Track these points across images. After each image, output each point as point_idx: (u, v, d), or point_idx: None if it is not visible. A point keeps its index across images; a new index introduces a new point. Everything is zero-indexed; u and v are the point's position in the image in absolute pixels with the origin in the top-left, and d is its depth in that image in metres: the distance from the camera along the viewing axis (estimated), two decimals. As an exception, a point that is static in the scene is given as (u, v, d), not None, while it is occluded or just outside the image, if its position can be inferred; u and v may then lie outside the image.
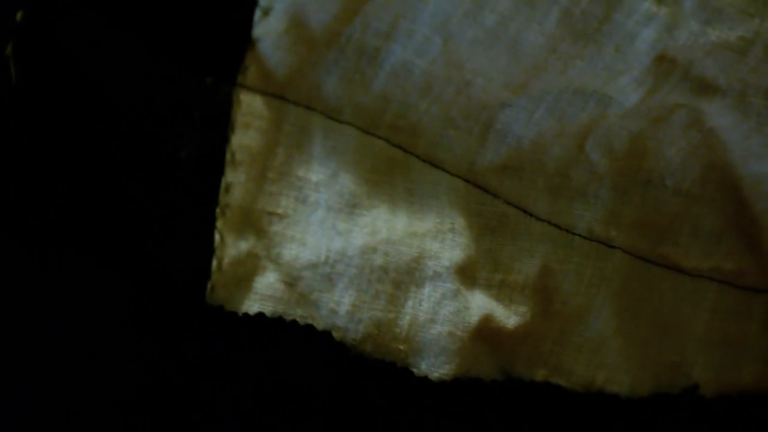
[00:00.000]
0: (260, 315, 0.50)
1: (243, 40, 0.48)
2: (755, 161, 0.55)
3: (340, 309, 0.51)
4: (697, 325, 0.57)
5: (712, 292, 0.57)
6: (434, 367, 0.52)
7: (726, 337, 0.57)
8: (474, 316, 0.53)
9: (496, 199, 0.54)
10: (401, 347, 0.52)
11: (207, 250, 0.49)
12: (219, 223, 0.49)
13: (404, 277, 0.52)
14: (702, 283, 0.57)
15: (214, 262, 0.49)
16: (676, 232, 0.56)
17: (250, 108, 0.50)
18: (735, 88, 0.52)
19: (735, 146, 0.54)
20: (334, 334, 0.51)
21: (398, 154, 0.53)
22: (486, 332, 0.53)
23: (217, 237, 0.49)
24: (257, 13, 0.49)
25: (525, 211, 0.55)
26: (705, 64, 0.51)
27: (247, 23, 0.48)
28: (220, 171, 0.49)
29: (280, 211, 0.51)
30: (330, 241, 0.51)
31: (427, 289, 0.52)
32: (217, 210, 0.49)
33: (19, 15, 0.46)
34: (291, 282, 0.51)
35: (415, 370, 0.52)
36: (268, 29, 0.49)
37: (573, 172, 0.55)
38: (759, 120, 0.53)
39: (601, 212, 0.55)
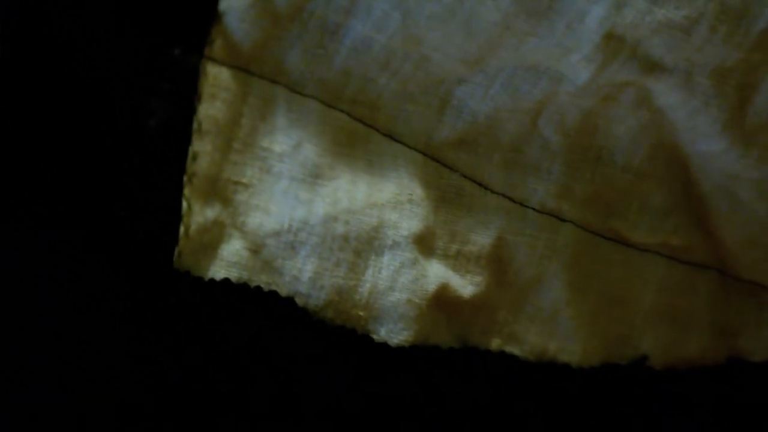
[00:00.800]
0: (226, 281, 0.51)
1: (209, 14, 0.50)
2: (702, 140, 0.56)
3: (303, 276, 0.53)
4: (646, 298, 0.58)
5: (660, 267, 0.58)
6: (393, 333, 0.54)
7: (673, 310, 0.59)
8: (431, 285, 0.54)
9: (452, 173, 0.55)
10: (361, 314, 0.53)
11: (175, 216, 0.50)
12: (186, 191, 0.51)
13: (364, 246, 0.53)
14: (650, 258, 0.58)
15: (182, 229, 0.51)
16: (626, 207, 0.57)
17: (217, 80, 0.51)
18: (681, 67, 0.53)
19: (682, 125, 0.55)
20: (297, 300, 0.52)
21: (359, 127, 0.54)
22: (443, 301, 0.55)
23: (184, 204, 0.50)
24: (224, -12, 0.49)
25: (480, 185, 0.56)
26: (652, 42, 0.52)
27: None
28: (187, 140, 0.50)
29: (245, 180, 0.52)
30: (293, 210, 0.52)
31: (386, 258, 0.54)
32: (185, 178, 0.50)
33: None
34: (255, 249, 0.52)
35: (374, 336, 0.53)
36: (234, 3, 0.50)
37: (526, 147, 0.56)
38: (705, 100, 0.54)
39: (553, 187, 0.57)
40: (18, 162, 0.49)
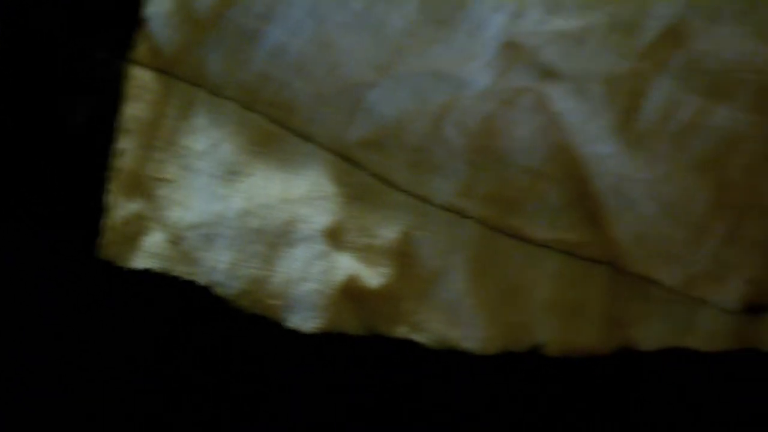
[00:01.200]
0: (147, 271, 0.53)
1: (134, 19, 0.51)
2: (594, 143, 0.57)
3: (219, 267, 0.54)
4: (542, 290, 0.59)
5: (556, 261, 0.60)
6: (304, 321, 0.55)
7: (568, 302, 0.60)
8: (341, 276, 0.56)
9: (361, 171, 0.57)
10: (275, 302, 0.55)
11: (99, 209, 0.52)
12: (111, 186, 0.52)
13: (278, 239, 0.55)
14: (547, 253, 0.59)
15: (106, 221, 0.52)
16: (524, 205, 0.59)
17: (141, 82, 0.52)
18: (575, 74, 0.55)
19: (576, 129, 0.57)
20: (214, 290, 0.54)
21: (275, 128, 0.55)
22: (352, 291, 0.56)
23: (109, 198, 0.52)
24: (148, -5, 0.51)
25: (388, 183, 0.57)
26: (548, 51, 0.54)
27: (138, 4, 0.51)
28: (112, 138, 0.52)
29: (166, 176, 0.54)
30: (211, 204, 0.54)
31: (298, 250, 0.55)
32: (110, 173, 0.52)
33: None
34: (175, 241, 0.54)
35: (287, 324, 0.55)
36: (157, 10, 0.52)
37: (431, 148, 0.57)
38: (597, 105, 0.56)
39: (456, 185, 0.58)
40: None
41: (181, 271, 0.53)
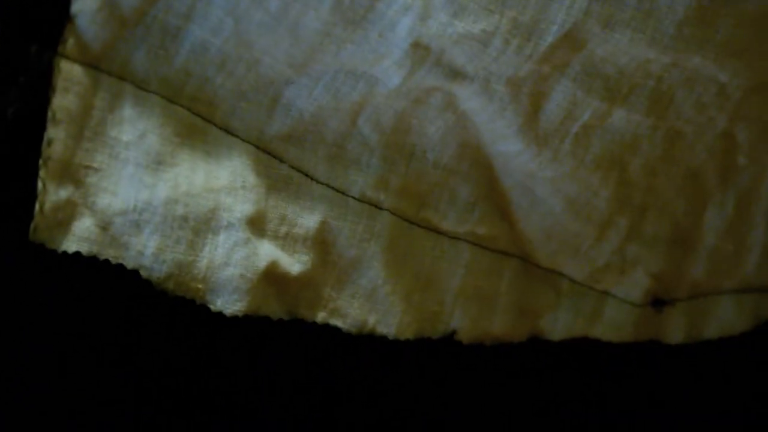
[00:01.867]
0: (77, 254, 0.54)
1: (63, 16, 0.52)
2: (501, 142, 0.59)
3: (146, 251, 0.54)
4: (455, 280, 0.61)
5: (468, 253, 0.61)
6: (228, 304, 0.56)
7: (480, 292, 0.61)
8: (262, 262, 0.56)
9: (281, 164, 0.57)
10: (199, 286, 0.55)
11: (31, 195, 0.53)
12: (42, 173, 0.53)
13: (202, 226, 0.55)
14: (459, 245, 0.61)
15: (37, 206, 0.53)
16: (436, 199, 0.60)
17: (69, 75, 0.53)
18: (480, 75, 0.56)
19: (484, 128, 0.58)
20: (141, 273, 0.54)
21: (198, 121, 0.56)
22: (273, 277, 0.56)
23: (39, 184, 0.53)
24: (75, -8, 0.50)
25: (306, 175, 0.58)
26: (454, 52, 0.55)
27: (67, 0, 0.52)
28: (42, 128, 0.53)
29: (95, 165, 0.54)
30: (138, 192, 0.55)
31: (221, 237, 0.56)
32: (40, 161, 0.53)
33: None
34: (104, 226, 0.54)
35: (211, 306, 0.55)
36: (84, 7, 0.53)
37: (347, 143, 0.58)
38: (501, 105, 0.57)
39: (371, 179, 0.59)
40: None
41: (110, 254, 0.53)
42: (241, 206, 0.55)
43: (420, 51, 0.55)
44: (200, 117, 0.56)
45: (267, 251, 0.56)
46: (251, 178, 0.56)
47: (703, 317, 0.65)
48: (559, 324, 0.63)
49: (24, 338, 0.53)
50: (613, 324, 0.64)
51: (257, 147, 0.56)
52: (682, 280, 0.65)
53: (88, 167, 0.53)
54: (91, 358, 0.54)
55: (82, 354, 0.54)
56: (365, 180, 0.59)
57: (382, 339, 0.59)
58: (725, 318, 0.66)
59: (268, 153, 0.57)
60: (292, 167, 0.57)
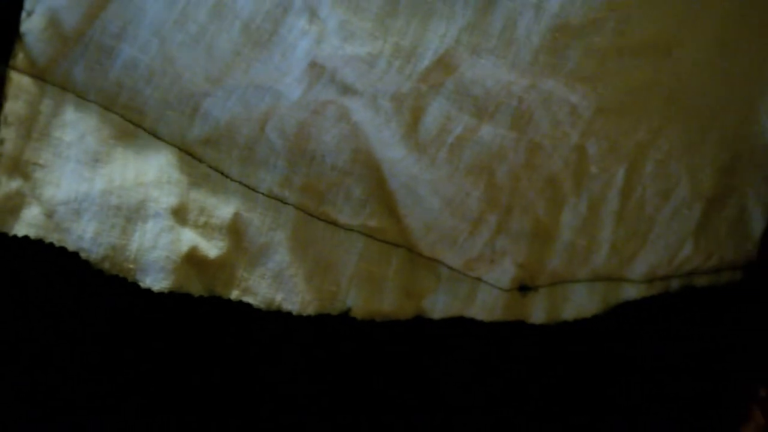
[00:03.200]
0: (26, 237, 0.54)
1: (13, 34, 0.54)
2: (387, 149, 0.60)
3: (86, 235, 0.55)
4: (349, 265, 0.62)
5: (361, 242, 0.62)
6: (156, 282, 0.57)
7: (371, 276, 0.62)
8: (184, 246, 0.57)
9: (201, 164, 0.59)
10: (131, 266, 0.56)
11: None
12: None
13: (133, 214, 0.56)
14: (353, 235, 0.62)
15: None
16: (333, 196, 0.61)
17: (19, 84, 0.54)
18: (368, 91, 0.57)
19: (372, 137, 0.60)
20: (81, 255, 0.55)
21: (130, 126, 0.57)
22: (194, 259, 0.58)
23: None
24: (23, 14, 0.53)
25: (222, 173, 0.59)
26: (345, 71, 0.57)
27: (16, 20, 0.54)
28: None
29: (41, 161, 0.55)
30: (78, 185, 0.55)
31: (149, 224, 0.57)
32: None
33: None
34: (49, 214, 0.55)
35: (141, 284, 0.56)
36: (31, 27, 0.53)
37: (257, 147, 0.59)
38: (387, 118, 0.59)
39: (277, 178, 0.60)
40: None
41: (54, 238, 0.55)
42: (166, 198, 0.57)
43: (316, 69, 0.56)
44: (131, 123, 0.57)
45: (188, 237, 0.58)
46: (175, 175, 0.57)
47: (561, 301, 0.66)
48: (439, 305, 0.65)
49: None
50: (485, 306, 0.65)
51: (180, 149, 0.58)
52: (544, 270, 0.66)
53: (35, 163, 0.54)
54: (37, 329, 0.55)
55: (26, 325, 0.55)
56: (272, 179, 0.60)
57: (288, 314, 0.60)
58: (580, 302, 0.67)
59: (190, 154, 0.58)
60: (210, 167, 0.59)
